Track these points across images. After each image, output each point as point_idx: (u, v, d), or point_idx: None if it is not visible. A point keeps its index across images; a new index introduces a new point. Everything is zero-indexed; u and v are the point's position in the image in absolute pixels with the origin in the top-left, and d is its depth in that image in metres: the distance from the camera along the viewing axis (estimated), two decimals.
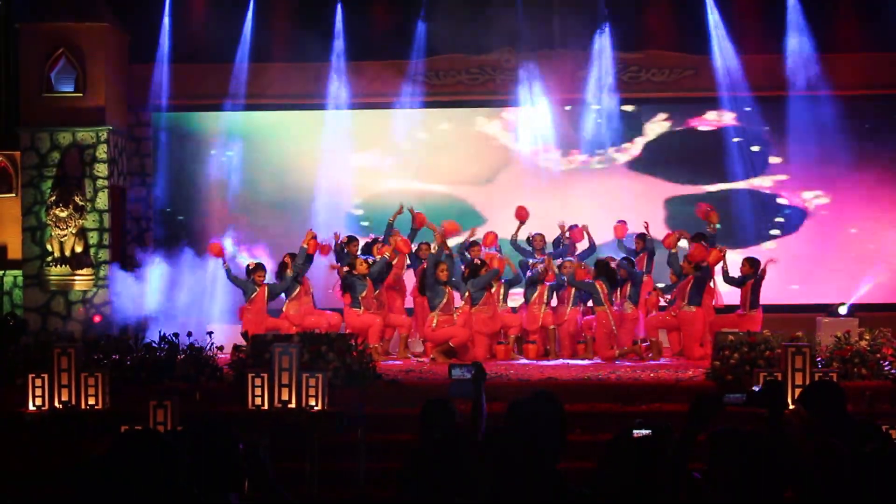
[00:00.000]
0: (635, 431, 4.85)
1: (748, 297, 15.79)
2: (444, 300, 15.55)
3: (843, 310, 16.56)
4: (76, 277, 17.23)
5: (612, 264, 15.85)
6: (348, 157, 18.76)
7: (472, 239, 16.40)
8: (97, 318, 17.01)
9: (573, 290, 15.93)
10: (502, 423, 5.19)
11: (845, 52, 18.21)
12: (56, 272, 17.18)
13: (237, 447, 4.90)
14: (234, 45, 18.33)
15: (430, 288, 15.57)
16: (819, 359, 13.03)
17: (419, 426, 6.25)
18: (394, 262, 16.04)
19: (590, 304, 16.05)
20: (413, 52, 18.48)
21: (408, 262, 16.63)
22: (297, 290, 15.82)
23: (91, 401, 12.80)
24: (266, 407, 12.47)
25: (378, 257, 15.74)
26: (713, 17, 18.29)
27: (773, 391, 5.35)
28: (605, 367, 14.67)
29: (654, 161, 18.96)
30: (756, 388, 5.33)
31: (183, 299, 16.61)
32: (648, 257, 16.72)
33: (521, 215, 16.71)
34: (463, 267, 15.98)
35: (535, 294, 16.02)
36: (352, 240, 16.36)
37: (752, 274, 15.79)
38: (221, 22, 18.23)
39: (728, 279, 15.94)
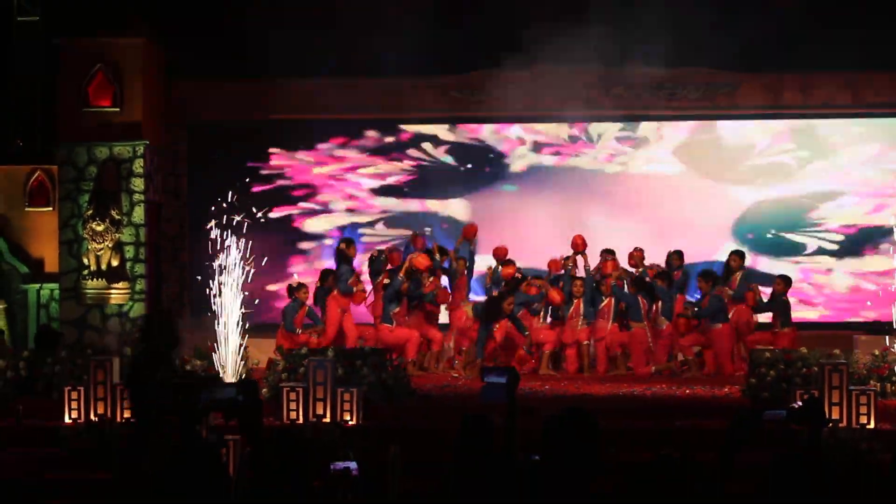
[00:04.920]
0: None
1: (779, 316, 15.75)
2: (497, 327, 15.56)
3: None
4: (112, 291, 17.30)
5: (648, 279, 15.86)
6: None
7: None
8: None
9: (612, 304, 15.86)
10: (537, 442, 5.15)
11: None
12: (92, 286, 17.25)
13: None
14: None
15: (491, 315, 15.58)
16: (856, 376, 12.92)
17: (456, 442, 6.20)
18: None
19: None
20: None
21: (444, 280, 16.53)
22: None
23: (126, 414, 12.84)
24: (301, 421, 12.48)
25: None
26: None
27: (812, 408, 5.30)
28: (641, 384, 14.59)
29: None
30: (796, 405, 5.28)
31: None
32: (683, 274, 16.60)
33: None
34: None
35: (572, 308, 15.99)
36: (392, 250, 16.36)
37: (784, 291, 15.74)
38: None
39: (762, 307, 15.88)
